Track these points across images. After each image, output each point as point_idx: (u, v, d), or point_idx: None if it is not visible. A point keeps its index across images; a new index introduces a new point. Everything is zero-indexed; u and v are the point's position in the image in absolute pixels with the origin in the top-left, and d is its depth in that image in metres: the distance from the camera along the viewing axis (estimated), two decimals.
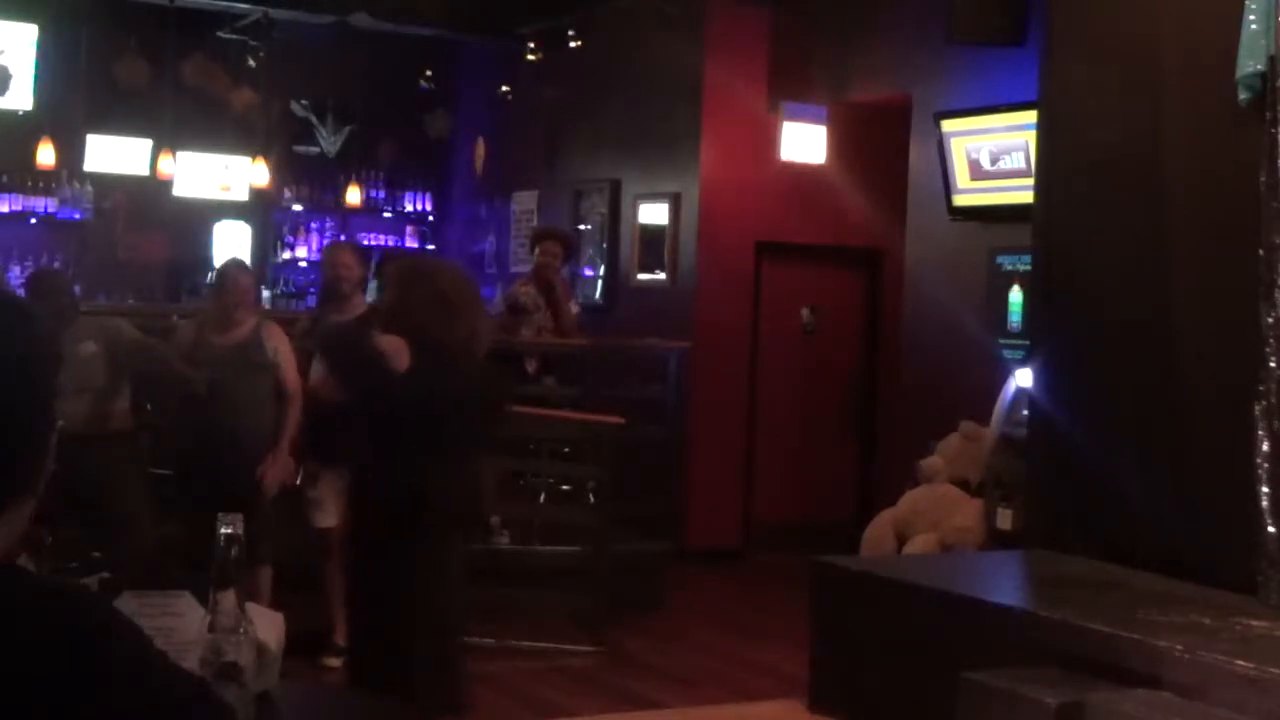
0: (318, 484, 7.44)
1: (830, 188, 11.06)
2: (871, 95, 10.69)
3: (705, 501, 10.80)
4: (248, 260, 13.36)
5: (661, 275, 11.41)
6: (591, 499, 8.99)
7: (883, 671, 6.21)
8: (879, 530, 8.29)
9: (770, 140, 10.92)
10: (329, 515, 7.40)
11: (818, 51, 10.99)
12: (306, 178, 14.05)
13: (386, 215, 14.51)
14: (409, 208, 14.60)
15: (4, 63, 12.23)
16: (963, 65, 9.48)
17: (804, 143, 10.92)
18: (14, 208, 12.76)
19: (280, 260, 14.06)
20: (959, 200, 9.51)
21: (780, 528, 10.85)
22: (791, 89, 10.98)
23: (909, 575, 6.58)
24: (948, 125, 9.48)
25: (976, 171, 9.34)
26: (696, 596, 9.56)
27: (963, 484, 8.14)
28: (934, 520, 8.00)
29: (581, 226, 12.25)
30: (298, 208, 14.13)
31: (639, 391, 9.90)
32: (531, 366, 9.58)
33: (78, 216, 12.95)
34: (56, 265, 11.83)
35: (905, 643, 6.12)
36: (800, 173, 10.99)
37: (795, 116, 10.90)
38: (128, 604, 2.61)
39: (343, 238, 13.54)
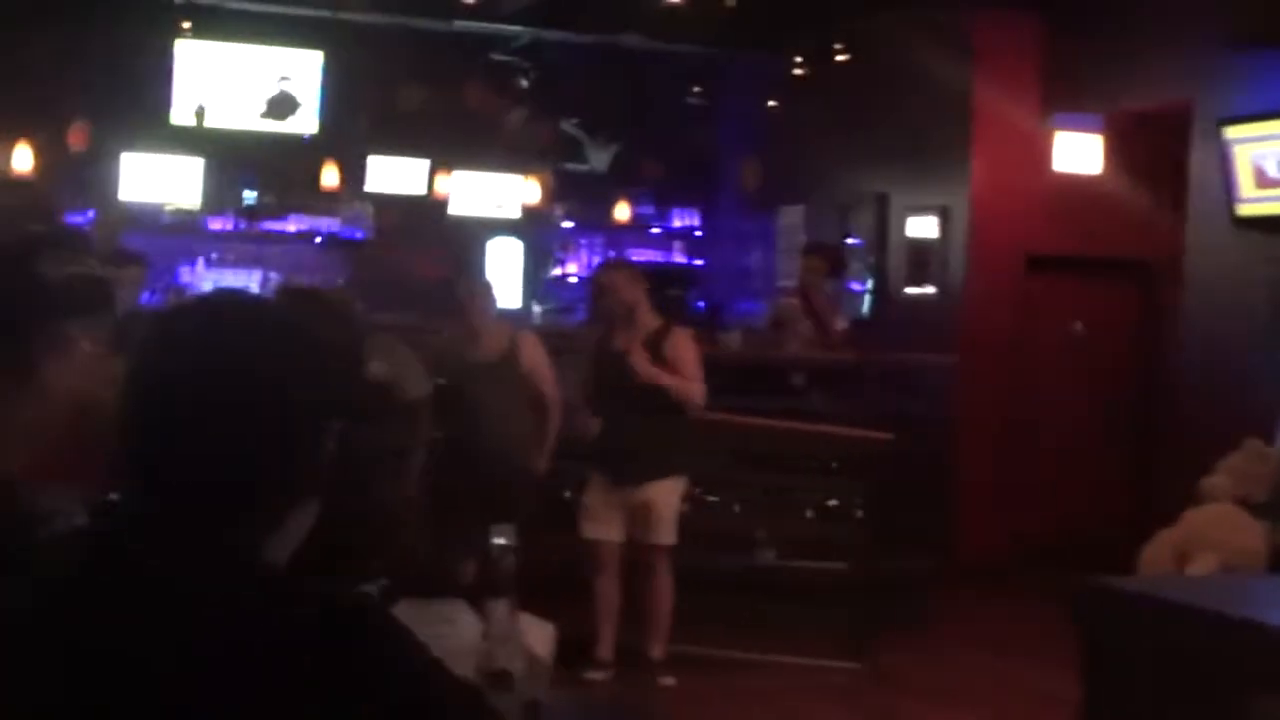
0: (589, 493, 7.54)
1: (1105, 198, 10.76)
2: (1149, 102, 10.36)
3: (972, 518, 10.61)
4: (519, 276, 13.73)
5: (930, 289, 11.27)
6: (859, 515, 8.91)
7: (1159, 697, 6.01)
8: (1157, 551, 8.03)
9: (1042, 151, 10.69)
10: (600, 527, 7.49)
11: (1092, 58, 10.69)
12: (576, 195, 14.30)
13: (654, 231, 14.66)
14: (676, 223, 14.72)
15: (291, 90, 12.76)
16: (1247, 68, 9.13)
17: (1078, 153, 10.66)
18: (300, 227, 13.30)
19: (551, 276, 14.34)
20: (1243, 210, 9.15)
21: (1049, 546, 10.57)
22: (1065, 98, 10.72)
23: (1186, 597, 6.35)
24: (1231, 132, 9.13)
25: (1263, 179, 8.98)
26: (964, 614, 9.39)
27: (1246, 504, 7.83)
28: (1215, 541, 7.70)
29: (849, 240, 12.17)
30: (568, 224, 14.38)
31: (906, 406, 9.78)
32: (798, 381, 9.56)
33: (359, 235, 13.43)
34: (340, 283, 12.28)
35: (1183, 667, 5.92)
36: (1074, 184, 10.72)
37: (1068, 126, 10.64)
38: (404, 612, 2.69)
39: (612, 254, 13.74)
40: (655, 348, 7.47)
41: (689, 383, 7.42)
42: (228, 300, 1.81)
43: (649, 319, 7.64)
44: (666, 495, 7.45)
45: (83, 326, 2.21)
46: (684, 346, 7.55)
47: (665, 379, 7.35)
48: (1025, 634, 8.97)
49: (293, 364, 1.65)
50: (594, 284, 8.05)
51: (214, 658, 1.50)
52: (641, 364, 7.32)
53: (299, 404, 1.65)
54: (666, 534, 7.45)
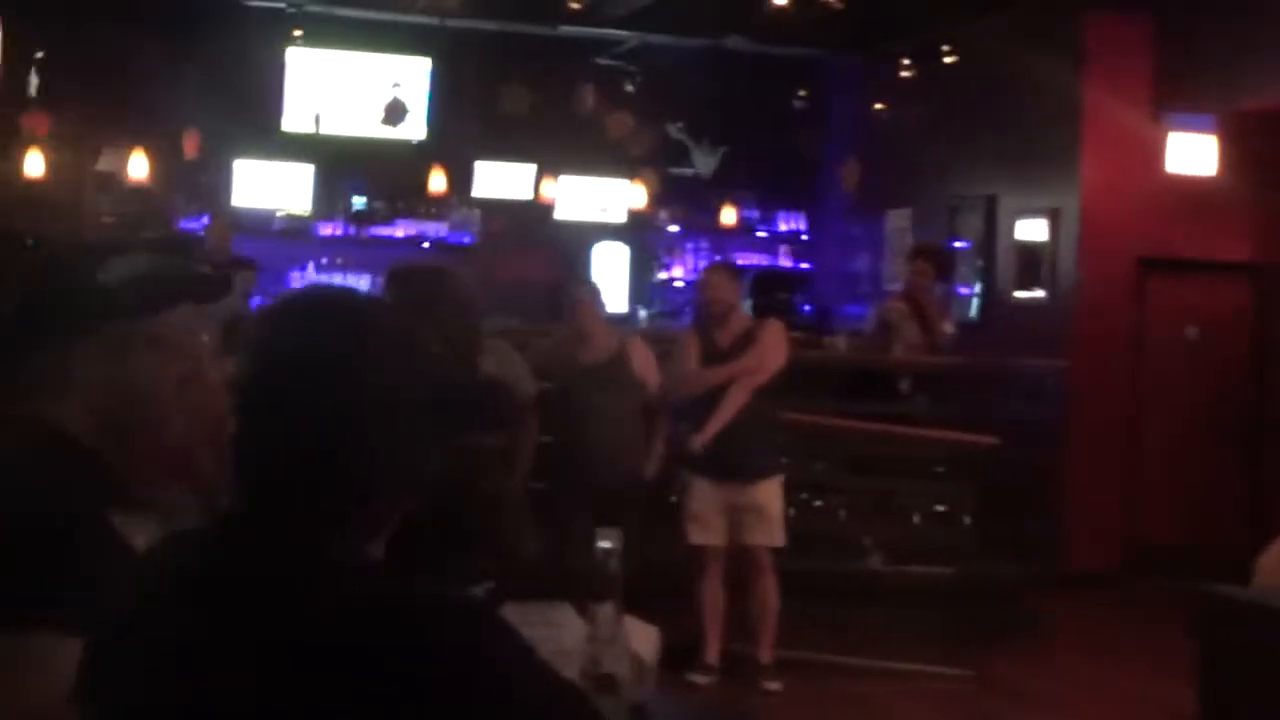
0: (693, 498, 7.53)
1: (1220, 200, 10.58)
2: (1264, 102, 10.17)
3: (1084, 524, 10.48)
4: (625, 280, 13.77)
5: (1040, 292, 11.14)
6: (966, 520, 8.84)
7: (1274, 708, 5.89)
8: (1274, 559, 7.87)
9: (1155, 152, 10.53)
10: (705, 532, 7.47)
11: (1204, 58, 10.52)
12: (682, 199, 14.30)
13: (761, 235, 14.63)
14: (783, 227, 14.68)
15: (401, 96, 12.89)
16: None
17: (1191, 153, 10.49)
18: (408, 233, 13.44)
19: (657, 280, 14.36)
20: None
21: (1164, 552, 10.42)
22: (1177, 98, 10.56)
23: None
24: None
25: None
26: (1073, 621, 9.27)
27: None
28: None
29: (958, 243, 12.07)
30: (674, 228, 14.39)
31: (1016, 410, 9.68)
32: (904, 385, 9.50)
33: (467, 240, 13.54)
34: None
35: None
36: (1188, 185, 10.56)
37: (1181, 127, 10.48)
38: (511, 614, 2.70)
39: (718, 258, 13.72)
40: (749, 342, 7.49)
41: (756, 370, 7.42)
42: (328, 300, 1.79)
43: (743, 319, 7.67)
44: (773, 495, 7.44)
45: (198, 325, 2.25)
46: (771, 330, 7.59)
47: (723, 372, 7.39)
48: (1136, 642, 8.85)
49: (393, 366, 1.65)
50: (696, 285, 8.11)
51: (323, 660, 1.51)
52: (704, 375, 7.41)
53: (400, 406, 1.64)
54: (777, 535, 7.43)
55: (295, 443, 1.60)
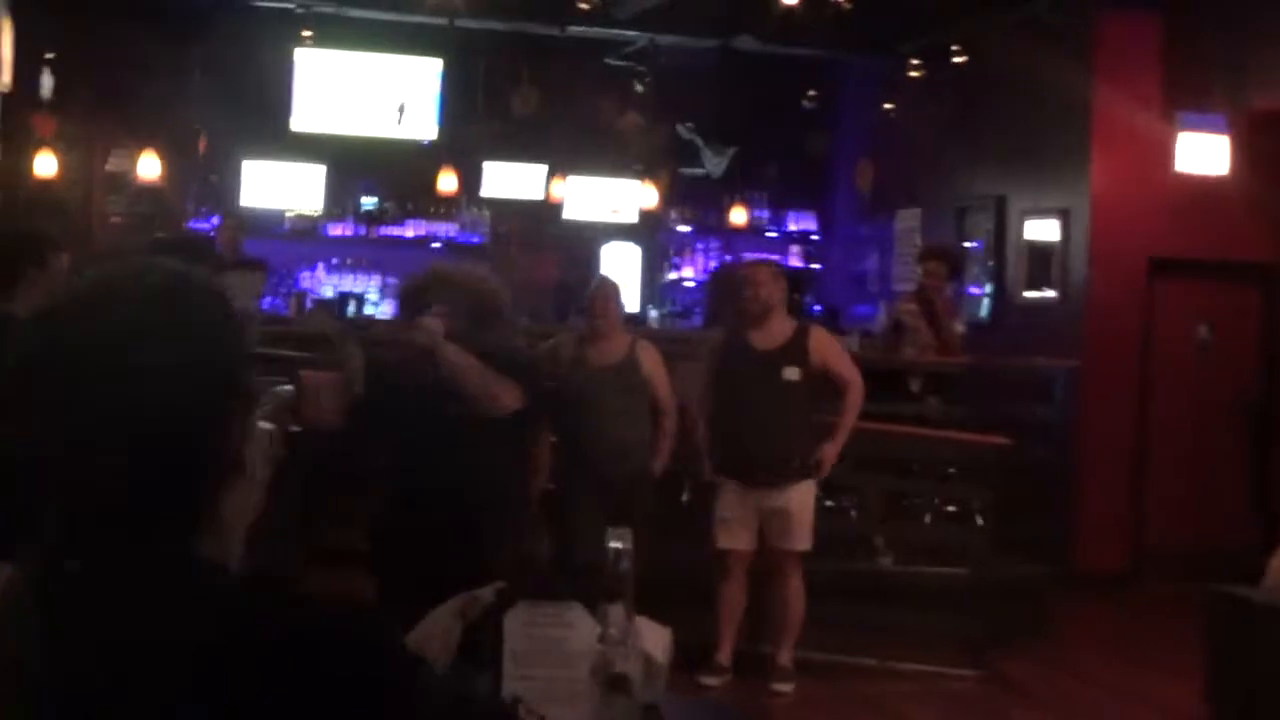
0: (724, 503, 7.48)
1: (1231, 200, 10.55)
2: (1277, 101, 10.15)
3: (1094, 525, 10.46)
4: (635, 280, 13.77)
5: (1050, 293, 11.12)
6: (978, 521, 8.82)
7: None
8: None
9: (1165, 152, 10.51)
10: (733, 537, 7.43)
11: (1216, 57, 10.50)
12: (692, 199, 14.30)
13: (771, 235, 14.62)
14: (792, 227, 14.68)
15: (403, 98, 12.90)
16: None
17: (1203, 154, 10.46)
18: (418, 233, 13.45)
19: (667, 280, 14.36)
20: None
21: (1173, 554, 10.40)
22: (1188, 98, 10.53)
23: None
24: None
25: None
26: (1084, 623, 9.27)
27: None
28: None
29: (967, 244, 12.06)
30: (684, 229, 14.39)
31: (1026, 411, 9.67)
32: (915, 385, 9.48)
33: (476, 240, 13.55)
34: None
35: None
36: (1199, 185, 10.53)
37: (1193, 126, 10.46)
38: (522, 614, 2.70)
39: (728, 258, 13.72)
40: (799, 351, 7.39)
41: (854, 384, 7.42)
42: (89, 289, 1.56)
43: (784, 321, 7.56)
44: (805, 499, 7.35)
45: None
46: (829, 346, 7.53)
47: (848, 422, 7.40)
48: (1147, 643, 8.84)
49: (170, 343, 1.50)
50: (732, 279, 7.95)
51: (194, 684, 1.42)
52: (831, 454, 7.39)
53: (188, 383, 1.50)
54: (805, 539, 7.35)
55: (83, 441, 1.46)
